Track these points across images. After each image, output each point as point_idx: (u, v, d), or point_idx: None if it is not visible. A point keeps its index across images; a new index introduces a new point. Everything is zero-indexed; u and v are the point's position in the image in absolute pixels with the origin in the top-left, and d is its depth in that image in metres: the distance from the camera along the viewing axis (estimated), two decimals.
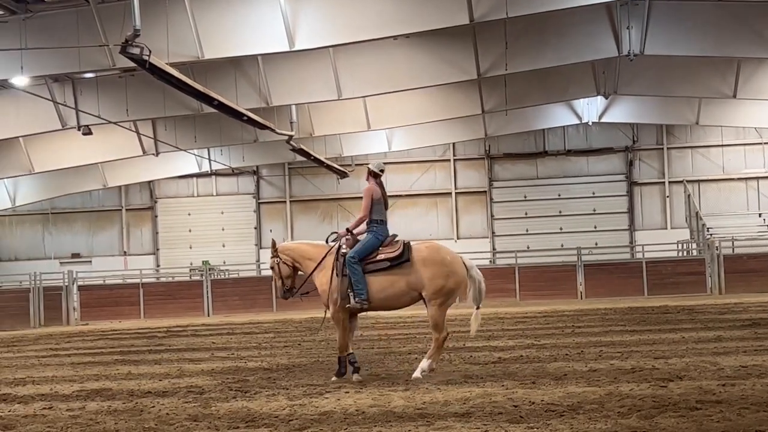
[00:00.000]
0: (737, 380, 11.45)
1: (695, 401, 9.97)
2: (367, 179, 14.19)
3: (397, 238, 13.96)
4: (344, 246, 13.80)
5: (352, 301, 13.45)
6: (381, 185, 14.15)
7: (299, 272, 14.28)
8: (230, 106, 27.71)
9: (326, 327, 26.55)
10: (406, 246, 13.68)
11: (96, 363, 18.30)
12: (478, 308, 13.63)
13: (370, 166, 14.27)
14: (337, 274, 13.59)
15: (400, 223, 47.72)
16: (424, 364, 13.30)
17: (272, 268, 14.25)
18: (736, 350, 14.93)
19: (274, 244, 14.36)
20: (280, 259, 14.11)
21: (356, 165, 47.62)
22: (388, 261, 13.54)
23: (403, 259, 13.51)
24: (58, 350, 22.76)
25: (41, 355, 21.35)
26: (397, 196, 48.12)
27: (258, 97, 31.27)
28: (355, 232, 13.96)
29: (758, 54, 31.78)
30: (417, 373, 13.14)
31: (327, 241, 14.13)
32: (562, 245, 45.08)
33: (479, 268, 13.81)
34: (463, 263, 13.54)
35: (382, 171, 14.25)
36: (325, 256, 13.85)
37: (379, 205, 14.02)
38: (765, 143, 47.13)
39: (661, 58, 34.26)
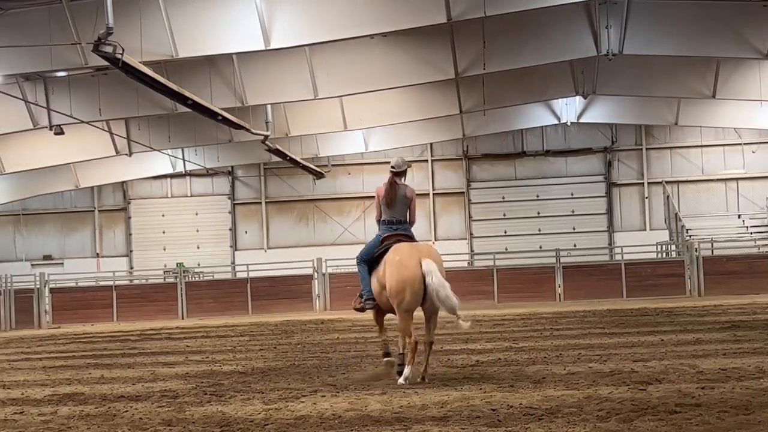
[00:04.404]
0: (717, 383, 11.32)
1: (674, 404, 9.83)
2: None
3: (397, 238, 13.32)
4: None
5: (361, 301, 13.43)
6: (393, 183, 13.55)
7: None
8: (205, 105, 27.50)
9: (309, 329, 26.36)
10: (389, 245, 13.14)
11: (68, 367, 18.03)
12: (456, 317, 12.63)
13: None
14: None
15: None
16: (406, 371, 12.82)
17: None
18: (715, 353, 14.81)
19: None
20: None
21: (332, 165, 47.55)
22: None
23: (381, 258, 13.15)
24: (29, 354, 22.47)
25: (12, 359, 21.06)
26: (373, 197, 48.01)
27: (233, 96, 31.05)
28: None
29: (737, 54, 31.83)
30: (401, 380, 12.80)
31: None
32: (540, 247, 44.99)
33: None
34: (421, 267, 12.54)
35: (393, 168, 13.69)
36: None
37: (383, 205, 13.57)
38: (744, 144, 47.28)
39: (640, 58, 34.25)
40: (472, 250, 47.41)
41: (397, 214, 13.47)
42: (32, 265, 48.21)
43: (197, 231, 49.67)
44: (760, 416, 9.02)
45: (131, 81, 24.13)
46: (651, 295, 35.77)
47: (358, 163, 48.48)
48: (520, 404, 10.33)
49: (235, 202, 49.87)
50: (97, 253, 49.82)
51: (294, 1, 26.05)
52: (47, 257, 49.52)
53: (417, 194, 14.14)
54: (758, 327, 19.60)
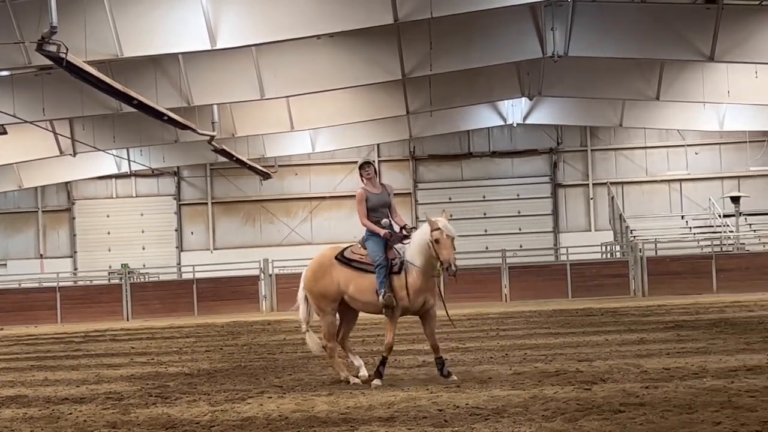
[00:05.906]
0: (660, 382, 11.47)
1: (619, 404, 9.95)
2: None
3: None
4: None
5: None
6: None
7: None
8: (150, 105, 27.34)
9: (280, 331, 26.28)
10: None
11: (11, 369, 17.87)
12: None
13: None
14: None
15: (324, 226, 47.80)
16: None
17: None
18: (659, 352, 14.97)
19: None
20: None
21: (279, 166, 47.41)
22: None
23: None
24: None
25: None
26: (321, 197, 48.08)
27: (179, 96, 30.87)
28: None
29: (681, 56, 32.20)
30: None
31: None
32: (486, 247, 45.13)
33: None
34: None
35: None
36: None
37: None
38: (688, 145, 47.84)
39: (585, 60, 34.50)
40: None
41: None
42: None
43: (142, 232, 49.33)
44: (702, 415, 9.13)
45: (75, 81, 23.91)
46: (596, 295, 36.00)
47: (305, 164, 48.40)
48: (467, 404, 10.40)
49: (180, 202, 49.58)
50: (41, 254, 49.30)
51: (240, 2, 25.97)
52: None
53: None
54: (701, 327, 19.80)
